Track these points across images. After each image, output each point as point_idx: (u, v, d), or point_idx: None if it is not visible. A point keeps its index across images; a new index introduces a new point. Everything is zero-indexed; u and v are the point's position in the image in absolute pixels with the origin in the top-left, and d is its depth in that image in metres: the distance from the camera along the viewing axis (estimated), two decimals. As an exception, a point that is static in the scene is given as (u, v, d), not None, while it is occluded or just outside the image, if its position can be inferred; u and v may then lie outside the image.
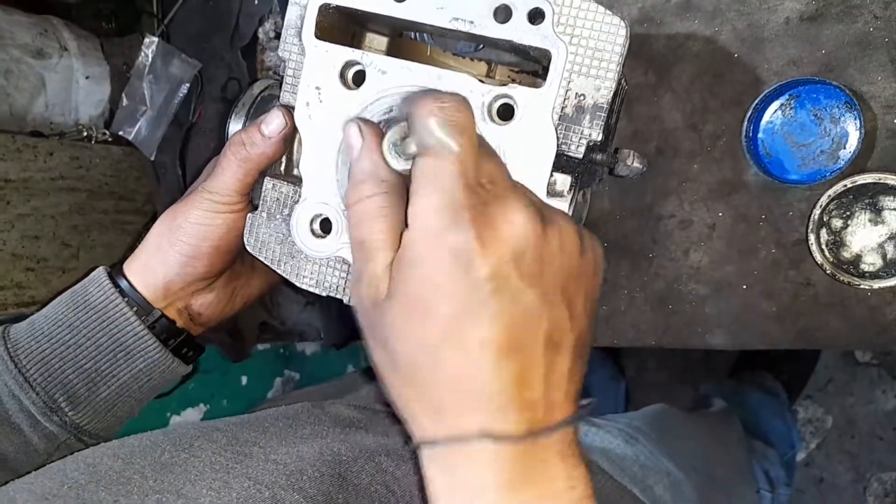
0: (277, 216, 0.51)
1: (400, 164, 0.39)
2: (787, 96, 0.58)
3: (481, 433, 0.35)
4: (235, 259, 0.58)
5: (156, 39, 0.83)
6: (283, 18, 0.49)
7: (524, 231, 0.35)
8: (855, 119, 0.56)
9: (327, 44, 0.48)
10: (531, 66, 0.59)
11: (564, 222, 0.38)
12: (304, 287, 0.51)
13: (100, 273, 0.56)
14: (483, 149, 0.39)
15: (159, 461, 0.46)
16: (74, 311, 0.55)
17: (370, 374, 0.78)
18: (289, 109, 0.50)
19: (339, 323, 0.84)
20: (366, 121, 0.41)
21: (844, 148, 0.57)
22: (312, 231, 0.49)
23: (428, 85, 0.46)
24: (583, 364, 0.39)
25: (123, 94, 0.86)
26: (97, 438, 0.57)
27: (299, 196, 0.49)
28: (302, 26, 0.48)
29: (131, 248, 0.58)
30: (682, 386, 1.51)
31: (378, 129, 0.40)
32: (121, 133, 0.87)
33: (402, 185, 0.39)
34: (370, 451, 0.52)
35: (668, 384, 1.53)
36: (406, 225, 0.37)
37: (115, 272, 0.57)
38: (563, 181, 0.47)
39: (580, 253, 0.38)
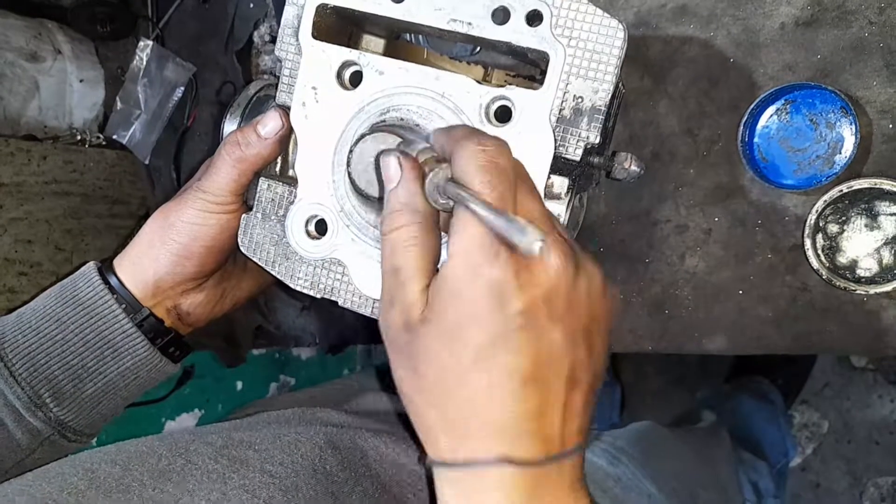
0: (272, 217, 0.51)
1: (440, 204, 0.41)
2: (782, 101, 0.58)
3: (500, 458, 0.37)
4: (227, 260, 0.58)
5: (150, 43, 0.83)
6: (278, 22, 0.49)
7: (557, 275, 0.38)
8: (850, 124, 0.56)
9: (324, 44, 0.47)
10: (528, 70, 0.59)
11: (593, 269, 0.41)
12: (298, 289, 0.50)
13: (89, 268, 0.56)
14: (525, 185, 0.40)
15: (157, 468, 0.46)
16: (63, 306, 0.55)
17: (364, 381, 0.78)
18: (285, 110, 0.50)
19: (335, 328, 0.84)
20: (404, 153, 0.42)
21: (840, 153, 0.57)
22: (307, 232, 0.49)
23: (426, 86, 0.46)
24: (595, 398, 0.41)
25: (118, 98, 0.86)
26: (81, 435, 0.57)
27: (294, 197, 0.49)
28: (299, 26, 0.48)
29: (123, 247, 0.58)
30: (679, 391, 1.51)
31: (416, 163, 0.41)
32: (115, 137, 0.86)
33: (436, 217, 0.42)
34: (362, 462, 0.52)
35: (665, 389, 1.53)
36: (446, 255, 0.39)
37: (106, 268, 0.56)
38: (561, 184, 0.47)
39: (603, 300, 0.41)
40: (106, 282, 0.55)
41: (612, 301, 0.42)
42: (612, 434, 0.83)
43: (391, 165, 0.42)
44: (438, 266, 0.41)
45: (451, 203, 0.40)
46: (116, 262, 0.56)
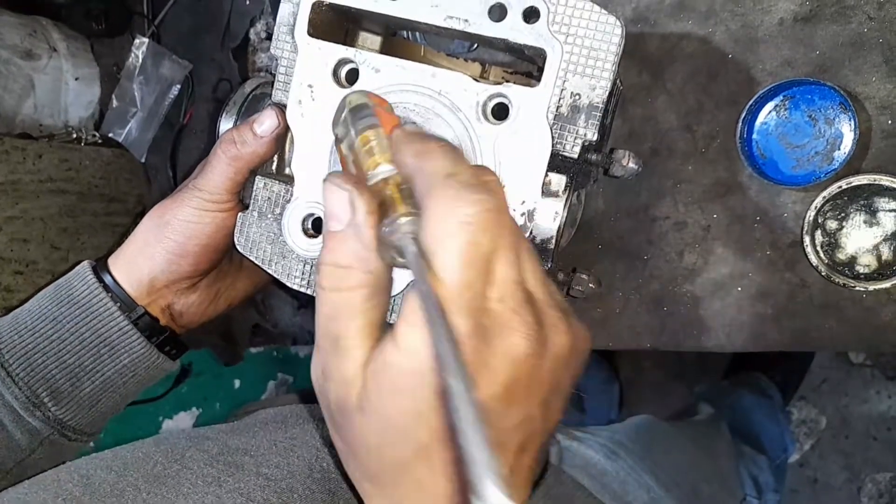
0: (269, 215, 0.50)
1: (397, 262, 0.33)
2: (781, 97, 0.58)
3: None
4: (222, 259, 0.58)
5: (146, 40, 0.82)
6: (274, 19, 0.49)
7: (519, 365, 0.32)
8: (849, 120, 0.55)
9: (320, 41, 0.47)
10: (525, 66, 0.59)
11: (562, 343, 0.35)
12: (294, 287, 0.50)
13: (84, 267, 0.56)
14: (507, 253, 0.33)
15: (152, 473, 0.45)
16: (58, 306, 0.54)
17: None
18: (281, 108, 0.49)
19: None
20: (359, 185, 0.33)
21: (839, 149, 0.57)
22: (304, 230, 0.48)
23: (422, 84, 0.46)
24: (541, 453, 0.38)
25: (113, 96, 0.85)
26: (81, 434, 0.57)
27: (291, 195, 0.49)
28: (295, 24, 0.47)
29: (119, 245, 0.57)
30: (677, 387, 1.51)
31: (374, 205, 0.33)
32: (111, 135, 0.86)
33: (389, 275, 0.35)
34: None
35: (663, 385, 1.53)
36: (390, 333, 0.33)
37: (100, 266, 0.56)
38: (558, 181, 0.47)
39: (567, 368, 0.36)
40: (101, 280, 0.55)
41: (584, 356, 0.37)
42: (611, 428, 0.83)
43: (338, 202, 0.33)
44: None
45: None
46: (111, 261, 0.56)
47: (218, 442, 0.49)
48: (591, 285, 0.53)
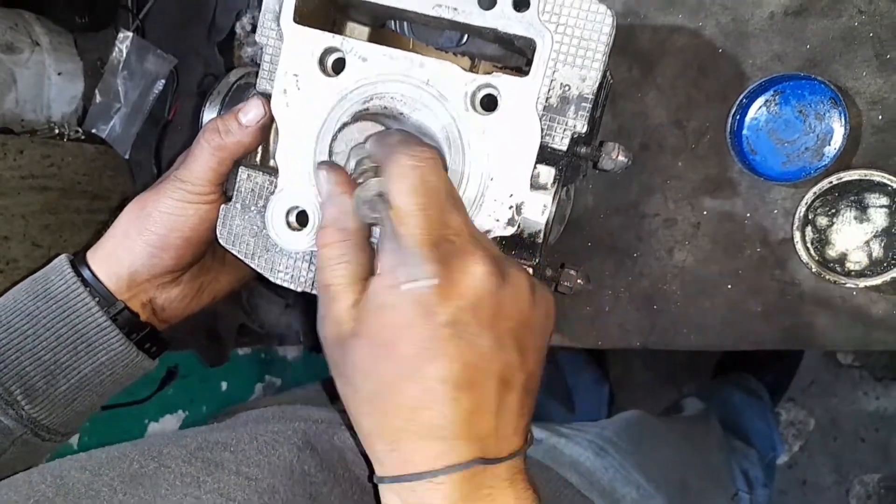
0: (252, 208, 0.49)
1: (371, 218, 0.41)
2: (771, 92, 0.57)
3: (434, 466, 0.38)
4: (205, 252, 0.56)
5: (130, 34, 0.81)
6: (260, 11, 0.48)
7: (482, 283, 0.39)
8: (840, 115, 0.55)
9: (307, 29, 0.46)
10: (515, 60, 0.58)
11: (519, 276, 0.41)
12: (278, 282, 0.49)
13: (62, 261, 0.54)
14: (451, 201, 0.41)
15: (128, 472, 0.44)
16: (34, 300, 0.53)
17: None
18: (266, 97, 0.48)
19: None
20: (332, 165, 0.44)
21: (829, 144, 0.56)
22: (288, 224, 0.48)
23: (410, 73, 0.45)
24: (532, 401, 0.42)
25: (97, 91, 0.84)
26: (55, 434, 0.55)
27: (275, 187, 0.48)
28: (280, 10, 0.46)
29: (97, 238, 0.56)
30: (667, 387, 1.51)
31: (345, 176, 0.43)
32: (94, 130, 0.84)
33: (366, 232, 0.43)
34: (340, 463, 0.51)
35: (653, 386, 1.53)
36: (372, 271, 0.41)
37: (79, 261, 0.55)
38: (547, 173, 0.46)
39: (532, 304, 0.41)
40: (79, 275, 0.53)
41: (547, 307, 0.43)
42: (599, 424, 0.83)
43: (323, 179, 0.43)
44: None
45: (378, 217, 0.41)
46: (90, 255, 0.55)
47: (197, 438, 0.48)
48: (579, 281, 0.53)
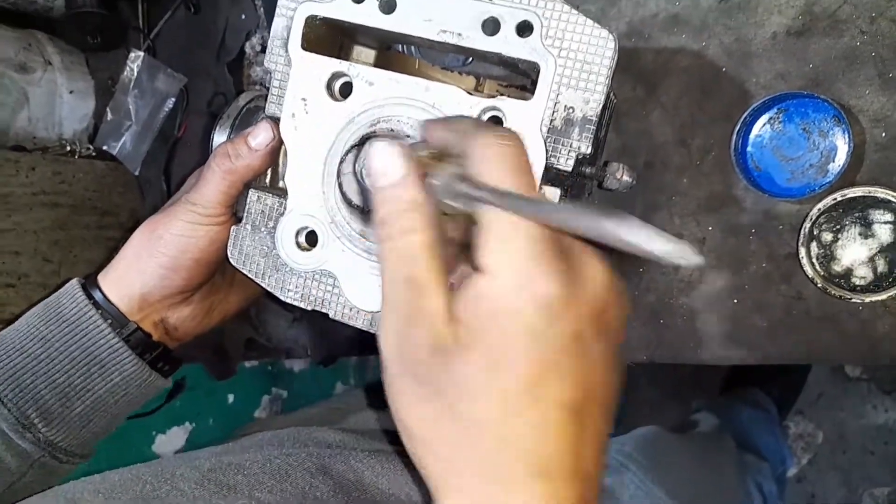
0: (262, 229, 0.50)
1: (457, 204, 0.35)
2: (775, 110, 0.58)
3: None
4: (215, 273, 0.57)
5: (141, 54, 0.82)
6: (269, 33, 0.49)
7: (605, 290, 0.34)
8: (843, 133, 0.56)
9: (314, 55, 0.47)
10: (520, 80, 0.59)
11: (620, 282, 0.36)
12: (288, 301, 0.50)
13: (73, 285, 0.55)
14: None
15: (141, 495, 0.45)
16: (47, 324, 0.54)
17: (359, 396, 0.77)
18: (275, 121, 0.49)
19: (327, 340, 0.83)
20: (401, 144, 0.37)
21: (833, 161, 0.57)
22: (298, 244, 0.48)
23: (416, 97, 0.46)
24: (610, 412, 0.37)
25: (108, 109, 0.85)
26: (73, 456, 0.56)
27: (284, 208, 0.48)
28: (288, 37, 0.47)
29: (110, 259, 0.57)
30: (674, 404, 1.50)
31: (413, 157, 0.36)
32: (105, 148, 0.86)
33: (441, 222, 0.37)
34: (357, 486, 0.50)
35: (660, 402, 1.52)
36: (474, 268, 0.34)
37: (90, 283, 0.55)
38: (553, 194, 0.46)
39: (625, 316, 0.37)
40: (90, 297, 0.54)
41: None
42: (618, 440, 0.82)
43: (388, 156, 0.35)
44: (452, 280, 0.36)
45: (458, 206, 0.35)
46: (101, 277, 0.56)
47: (211, 459, 0.48)
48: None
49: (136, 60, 0.83)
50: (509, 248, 0.33)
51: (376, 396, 0.73)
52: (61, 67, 0.85)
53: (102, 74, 0.87)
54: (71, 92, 0.86)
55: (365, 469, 0.54)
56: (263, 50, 0.77)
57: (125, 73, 0.83)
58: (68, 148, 0.84)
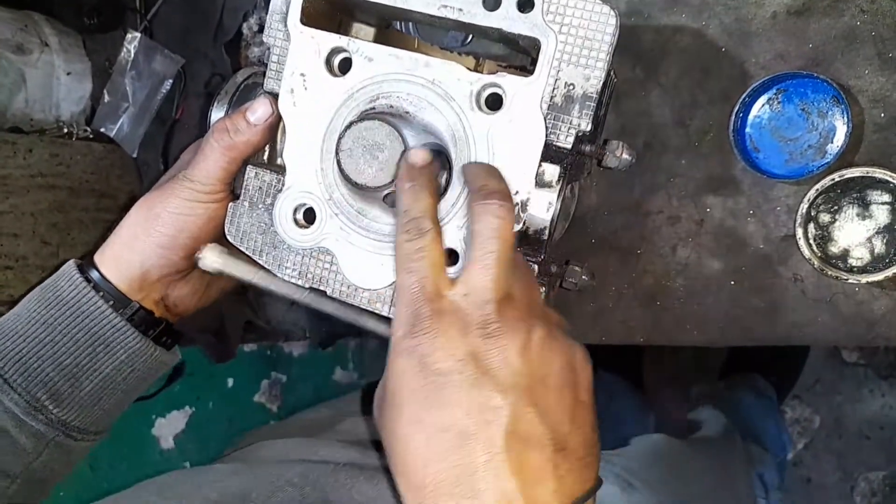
0: (260, 205, 0.50)
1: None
2: (774, 90, 0.58)
3: None
4: None
5: (138, 35, 0.82)
6: (267, 12, 0.48)
7: (479, 335, 0.39)
8: (842, 113, 0.55)
9: (313, 30, 0.47)
10: (519, 60, 0.59)
11: (532, 327, 0.41)
12: (285, 278, 0.50)
13: (69, 267, 0.55)
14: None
15: None
16: (46, 308, 0.53)
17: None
18: (273, 97, 0.49)
19: (325, 322, 0.83)
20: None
21: (832, 142, 0.57)
22: (296, 221, 0.48)
23: (416, 73, 0.46)
24: (574, 463, 0.39)
25: (105, 91, 0.85)
26: (87, 433, 0.56)
27: (282, 185, 0.48)
28: (288, 12, 0.47)
29: (104, 237, 0.56)
30: (673, 388, 1.50)
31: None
32: (102, 130, 0.85)
33: None
34: None
35: (658, 385, 1.52)
36: None
37: (86, 264, 0.55)
38: (552, 172, 0.47)
39: (548, 360, 0.40)
40: (88, 279, 0.54)
41: (572, 359, 0.41)
42: (625, 454, 0.80)
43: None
44: None
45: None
46: (98, 258, 0.55)
47: (216, 486, 0.49)
48: (584, 277, 0.53)
49: (133, 42, 0.82)
50: (396, 313, 0.42)
51: (366, 402, 0.75)
52: (58, 49, 0.85)
53: (99, 56, 0.87)
54: (68, 73, 0.86)
55: (371, 499, 0.54)
56: (261, 30, 0.77)
57: (122, 54, 0.83)
58: (65, 130, 0.84)
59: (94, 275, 0.54)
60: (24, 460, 0.53)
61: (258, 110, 0.49)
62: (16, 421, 0.52)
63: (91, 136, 0.85)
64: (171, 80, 0.83)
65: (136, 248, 0.54)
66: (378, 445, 0.44)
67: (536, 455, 0.38)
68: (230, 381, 1.31)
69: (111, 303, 0.54)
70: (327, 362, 1.49)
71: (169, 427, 1.21)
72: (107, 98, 0.85)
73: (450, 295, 0.40)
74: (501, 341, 0.39)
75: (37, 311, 0.54)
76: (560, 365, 0.40)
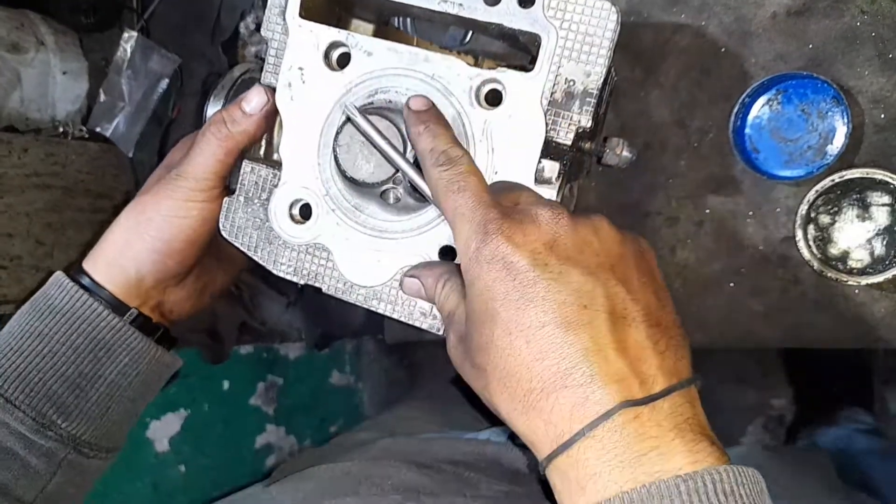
0: (255, 200, 0.49)
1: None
2: (774, 91, 0.58)
3: (574, 423, 0.35)
4: (206, 252, 0.55)
5: (135, 34, 0.81)
6: (264, 10, 0.48)
7: (550, 223, 0.38)
8: (842, 114, 0.55)
9: (312, 23, 0.46)
10: (519, 58, 0.58)
11: (598, 217, 0.40)
12: (280, 274, 0.49)
13: (58, 276, 0.53)
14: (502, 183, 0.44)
15: None
16: (40, 319, 0.52)
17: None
18: (271, 90, 0.48)
19: (321, 323, 0.83)
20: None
21: (832, 143, 0.56)
22: (291, 216, 0.48)
23: (415, 68, 0.45)
24: (670, 339, 0.38)
25: (101, 90, 0.84)
26: (99, 449, 0.54)
27: (278, 180, 0.48)
28: (286, 5, 0.47)
29: (91, 246, 0.55)
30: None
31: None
32: (98, 129, 0.85)
33: None
34: None
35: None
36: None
37: (76, 271, 0.54)
38: (552, 168, 0.46)
39: (620, 241, 0.40)
40: (81, 285, 0.52)
41: (638, 244, 0.41)
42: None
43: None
44: None
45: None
46: (88, 264, 0.54)
47: None
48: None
49: (129, 41, 0.82)
50: (457, 234, 0.41)
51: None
52: (54, 48, 0.84)
53: (96, 55, 0.86)
54: (64, 73, 0.85)
55: None
56: (258, 29, 0.77)
57: (119, 53, 0.82)
58: (61, 129, 0.83)
59: (86, 281, 0.53)
60: (37, 484, 0.51)
61: (253, 99, 0.48)
62: (24, 442, 0.50)
63: (87, 135, 0.85)
64: (167, 80, 0.82)
65: (130, 255, 0.53)
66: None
67: (633, 332, 0.37)
68: (226, 384, 1.29)
69: (111, 307, 0.52)
70: (324, 365, 1.48)
71: (164, 429, 1.19)
72: (103, 97, 0.84)
73: (504, 202, 0.40)
74: (575, 226, 0.38)
75: (30, 323, 0.52)
76: (632, 247, 0.40)
